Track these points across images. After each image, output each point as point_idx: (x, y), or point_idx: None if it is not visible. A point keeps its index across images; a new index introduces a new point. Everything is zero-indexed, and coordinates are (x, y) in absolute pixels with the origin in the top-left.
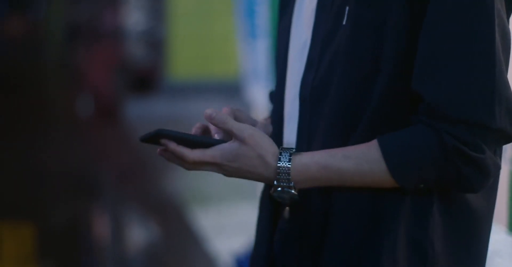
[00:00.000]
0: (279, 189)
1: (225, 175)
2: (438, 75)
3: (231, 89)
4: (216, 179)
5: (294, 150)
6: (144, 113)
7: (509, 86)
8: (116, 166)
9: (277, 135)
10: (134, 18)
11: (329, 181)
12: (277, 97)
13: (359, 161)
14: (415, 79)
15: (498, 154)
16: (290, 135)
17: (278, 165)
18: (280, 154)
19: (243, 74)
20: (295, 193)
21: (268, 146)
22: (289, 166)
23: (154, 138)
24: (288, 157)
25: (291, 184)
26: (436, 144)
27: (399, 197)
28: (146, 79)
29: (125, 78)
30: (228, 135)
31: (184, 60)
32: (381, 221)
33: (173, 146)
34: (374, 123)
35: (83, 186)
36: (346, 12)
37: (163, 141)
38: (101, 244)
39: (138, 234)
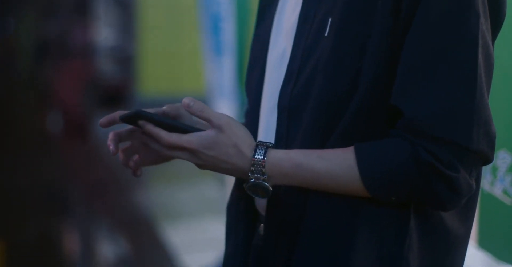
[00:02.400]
0: (253, 180)
1: (198, 165)
2: (419, 92)
3: None
4: (186, 195)
5: (271, 144)
6: (114, 129)
7: (489, 109)
8: (87, 182)
9: None
10: (103, 34)
11: (302, 180)
12: (252, 106)
13: (333, 164)
14: (395, 94)
15: (474, 175)
16: None
17: (254, 156)
18: (257, 146)
19: (209, 90)
20: (269, 186)
21: (244, 136)
22: (264, 158)
23: (133, 118)
24: (264, 150)
25: (265, 176)
26: (411, 158)
27: (376, 211)
28: (116, 96)
29: (95, 95)
30: (205, 126)
31: (154, 76)
32: (356, 234)
33: (150, 127)
34: (347, 134)
35: (53, 203)
36: (329, 23)
37: (141, 122)
38: (72, 260)
39: (109, 250)
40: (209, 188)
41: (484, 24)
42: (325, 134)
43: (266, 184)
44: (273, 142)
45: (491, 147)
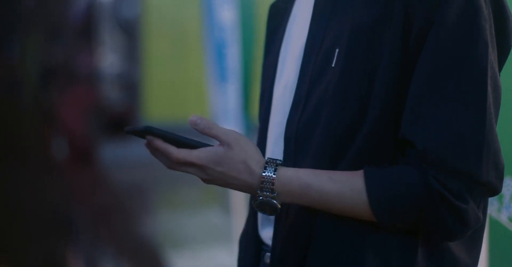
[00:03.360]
0: (261, 197)
1: (206, 180)
2: (429, 124)
3: None
4: (192, 222)
5: (280, 161)
6: (119, 156)
7: (497, 140)
8: (91, 208)
9: None
10: (109, 60)
11: (309, 200)
12: (259, 136)
13: (343, 186)
14: (405, 126)
15: (481, 207)
16: None
17: (263, 173)
18: (267, 163)
19: (214, 116)
20: (277, 204)
21: (253, 153)
22: (274, 176)
23: (141, 132)
24: (274, 167)
25: (274, 194)
26: (421, 186)
27: (384, 239)
28: (121, 122)
29: (100, 121)
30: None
31: (159, 103)
32: (363, 262)
33: (158, 142)
34: (356, 163)
35: (57, 228)
36: (336, 54)
37: (149, 137)
38: None
39: None
40: (215, 216)
41: (492, 54)
42: (332, 163)
43: (275, 202)
44: None
45: (500, 178)
